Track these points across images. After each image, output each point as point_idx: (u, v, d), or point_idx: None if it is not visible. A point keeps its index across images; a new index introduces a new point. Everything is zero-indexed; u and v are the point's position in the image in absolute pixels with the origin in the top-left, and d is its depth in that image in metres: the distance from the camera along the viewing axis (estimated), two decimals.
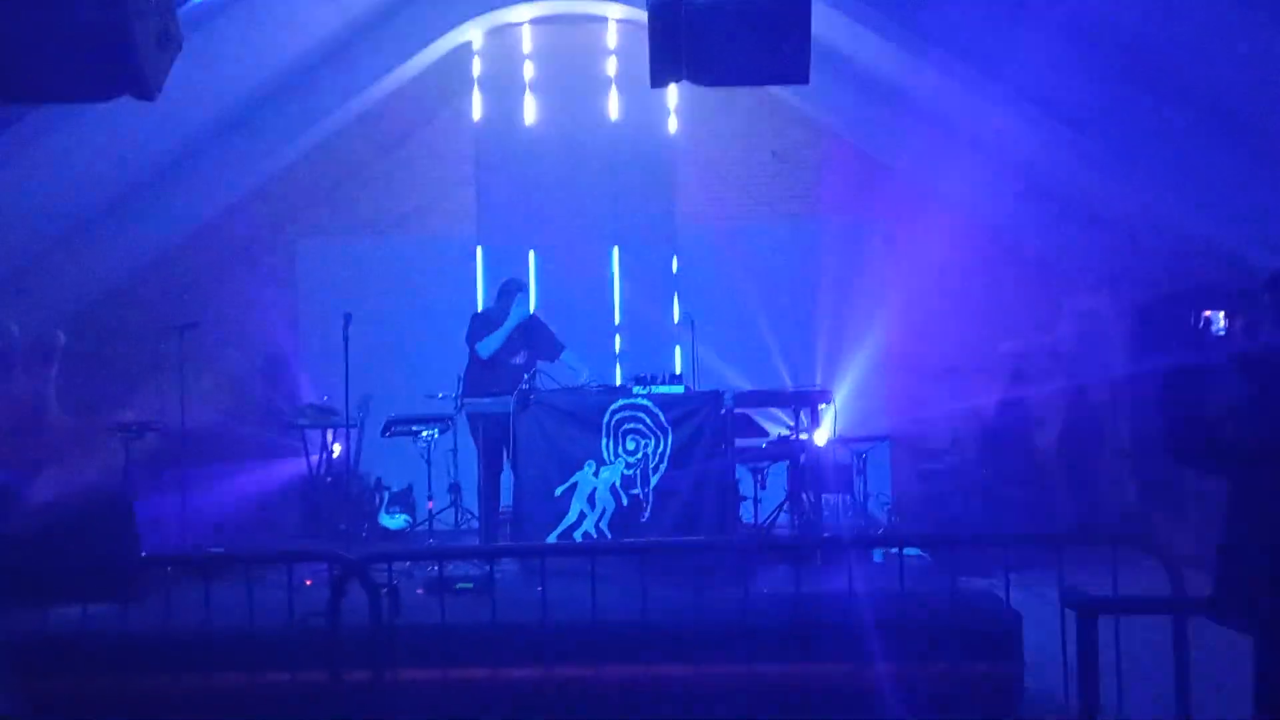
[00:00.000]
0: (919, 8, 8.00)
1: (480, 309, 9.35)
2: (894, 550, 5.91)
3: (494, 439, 8.08)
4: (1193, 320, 4.49)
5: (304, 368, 10.70)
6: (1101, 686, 4.29)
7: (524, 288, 8.87)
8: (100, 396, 9.60)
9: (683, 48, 7.00)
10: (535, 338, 8.72)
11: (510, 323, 8.47)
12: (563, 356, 8.75)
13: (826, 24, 7.79)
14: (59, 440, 9.48)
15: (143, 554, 6.91)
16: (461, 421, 8.79)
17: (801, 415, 8.56)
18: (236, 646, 4.94)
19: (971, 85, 8.24)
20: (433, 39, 10.06)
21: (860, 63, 9.39)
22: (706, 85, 7.77)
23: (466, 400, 8.42)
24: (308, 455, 9.87)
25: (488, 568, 6.26)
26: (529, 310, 8.80)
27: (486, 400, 8.41)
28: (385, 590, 4.76)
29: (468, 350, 8.57)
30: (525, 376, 8.19)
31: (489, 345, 8.47)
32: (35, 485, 9.06)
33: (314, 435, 9.82)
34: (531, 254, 10.92)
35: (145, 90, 6.28)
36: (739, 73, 7.30)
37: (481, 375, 8.41)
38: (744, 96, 10.45)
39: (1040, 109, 7.95)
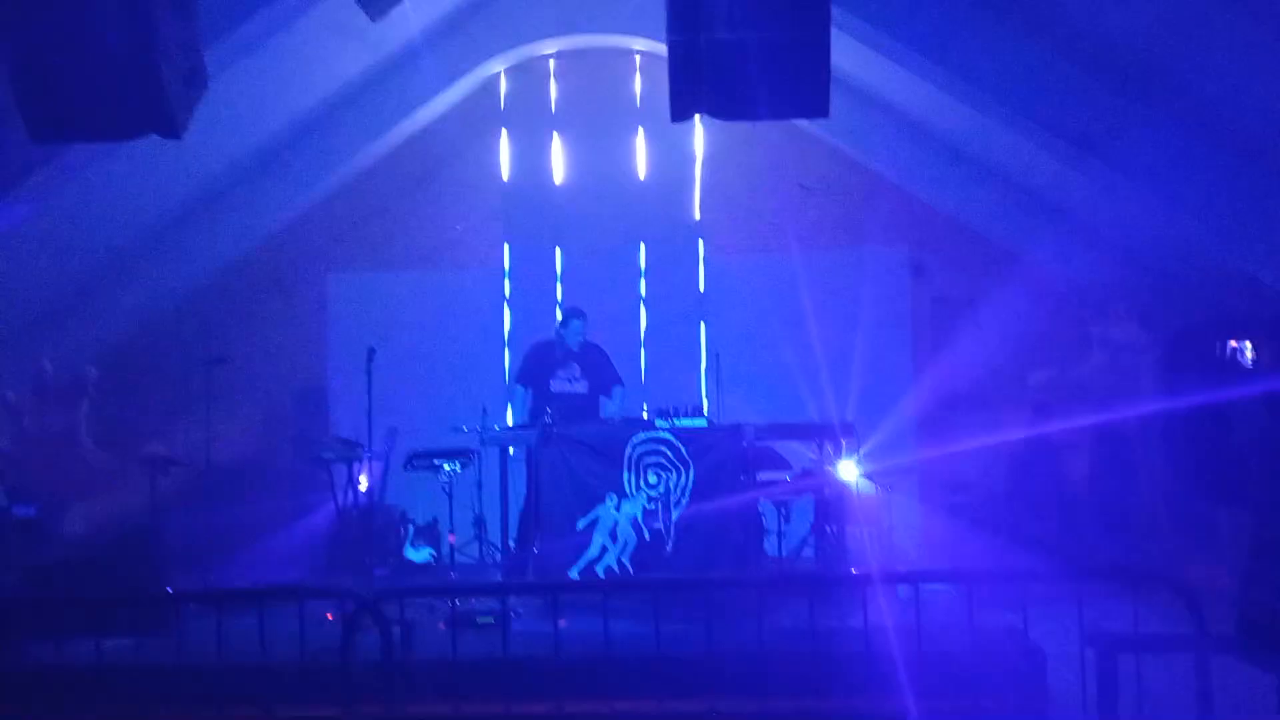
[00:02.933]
0: (947, 40, 7.98)
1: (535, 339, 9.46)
2: (916, 585, 5.83)
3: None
4: (1220, 349, 4.39)
5: (334, 402, 10.75)
6: None
7: (581, 315, 8.95)
8: (131, 430, 9.72)
9: (703, 82, 7.02)
10: (596, 367, 8.81)
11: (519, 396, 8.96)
12: (612, 391, 8.80)
13: (847, 57, 7.79)
14: (90, 473, 9.61)
15: (167, 589, 6.99)
16: (488, 454, 8.81)
17: (826, 448, 8.47)
18: (250, 680, 4.95)
19: (995, 115, 8.21)
20: (458, 75, 10.14)
21: (886, 95, 9.39)
22: (727, 119, 7.80)
23: (490, 432, 8.45)
24: (334, 489, 9.89)
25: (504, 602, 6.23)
26: (581, 337, 8.86)
27: (509, 433, 8.44)
28: (397, 626, 4.75)
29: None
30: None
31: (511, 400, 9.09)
32: (65, 518, 9.19)
33: (340, 469, 9.84)
34: (558, 286, 10.93)
35: (172, 129, 6.37)
36: (759, 107, 7.28)
37: (542, 406, 8.49)
38: (770, 129, 10.44)
39: (1064, 139, 7.90)
